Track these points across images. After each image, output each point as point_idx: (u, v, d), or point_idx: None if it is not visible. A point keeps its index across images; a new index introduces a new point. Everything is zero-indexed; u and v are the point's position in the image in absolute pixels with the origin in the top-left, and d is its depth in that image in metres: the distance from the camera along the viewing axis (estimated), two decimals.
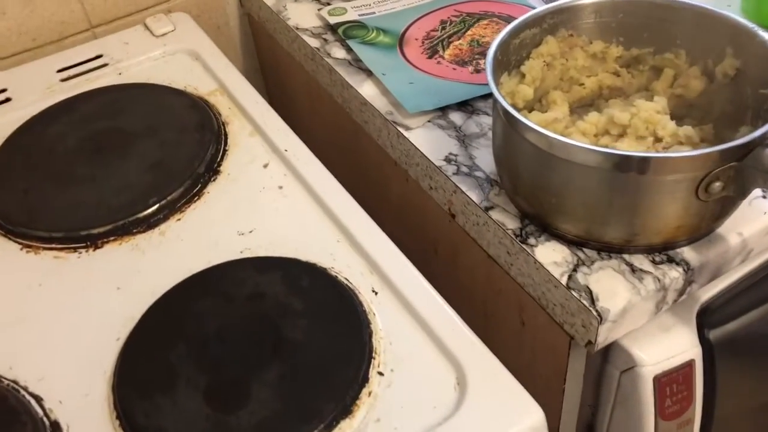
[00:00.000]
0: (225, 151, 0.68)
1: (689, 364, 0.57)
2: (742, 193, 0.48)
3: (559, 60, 0.61)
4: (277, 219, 0.61)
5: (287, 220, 0.61)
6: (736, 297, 0.59)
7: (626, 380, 0.57)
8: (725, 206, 0.51)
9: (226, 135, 0.70)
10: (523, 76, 0.60)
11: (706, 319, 0.57)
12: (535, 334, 0.60)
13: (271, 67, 0.98)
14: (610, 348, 0.57)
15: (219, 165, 0.67)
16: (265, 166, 0.66)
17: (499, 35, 0.56)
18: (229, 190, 0.65)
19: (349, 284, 0.55)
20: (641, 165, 0.47)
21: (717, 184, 0.48)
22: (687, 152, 0.46)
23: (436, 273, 0.71)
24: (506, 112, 0.51)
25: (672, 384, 0.57)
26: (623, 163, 0.47)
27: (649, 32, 0.60)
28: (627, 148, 0.54)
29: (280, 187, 0.64)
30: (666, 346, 0.56)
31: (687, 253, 0.53)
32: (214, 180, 0.66)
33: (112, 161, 0.67)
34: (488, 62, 0.54)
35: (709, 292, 0.58)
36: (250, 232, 0.60)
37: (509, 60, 0.59)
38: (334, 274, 0.56)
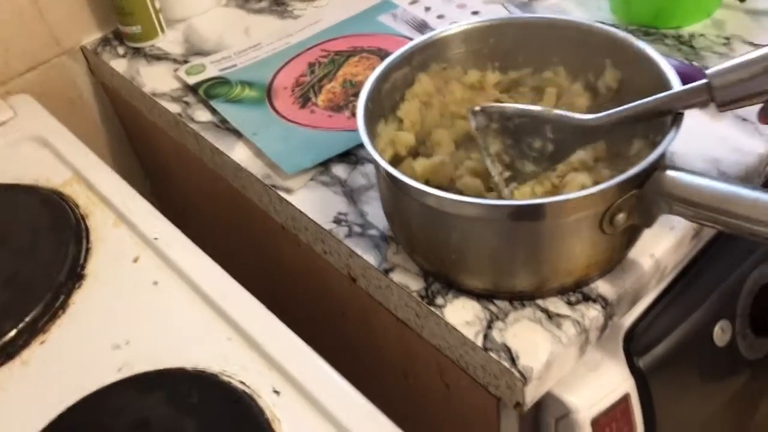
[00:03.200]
0: (88, 249, 0.60)
1: (625, 399, 0.53)
2: (648, 220, 0.45)
3: (436, 97, 0.57)
4: (155, 322, 0.54)
5: (167, 321, 0.54)
6: (658, 317, 0.56)
7: (563, 427, 0.53)
8: (633, 233, 0.48)
9: (87, 230, 0.62)
10: (400, 121, 0.56)
11: (633, 346, 0.54)
12: (462, 397, 0.55)
13: (137, 136, 0.90)
14: (542, 396, 0.53)
15: (83, 268, 0.59)
16: (135, 260, 0.59)
17: (367, 83, 0.52)
18: (98, 297, 0.57)
19: (245, 389, 0.48)
20: (538, 212, 0.43)
21: (621, 216, 0.44)
22: (583, 191, 0.42)
23: (348, 336, 0.66)
24: (389, 174, 0.46)
25: (611, 423, 0.53)
26: (519, 213, 0.43)
27: (524, 53, 0.57)
28: None
29: (155, 283, 0.57)
30: (598, 385, 0.53)
31: (602, 287, 0.49)
32: (78, 287, 0.58)
33: None
34: (359, 117, 0.49)
35: (629, 317, 0.55)
36: (127, 343, 0.53)
37: (383, 106, 0.55)
38: (226, 379, 0.49)
